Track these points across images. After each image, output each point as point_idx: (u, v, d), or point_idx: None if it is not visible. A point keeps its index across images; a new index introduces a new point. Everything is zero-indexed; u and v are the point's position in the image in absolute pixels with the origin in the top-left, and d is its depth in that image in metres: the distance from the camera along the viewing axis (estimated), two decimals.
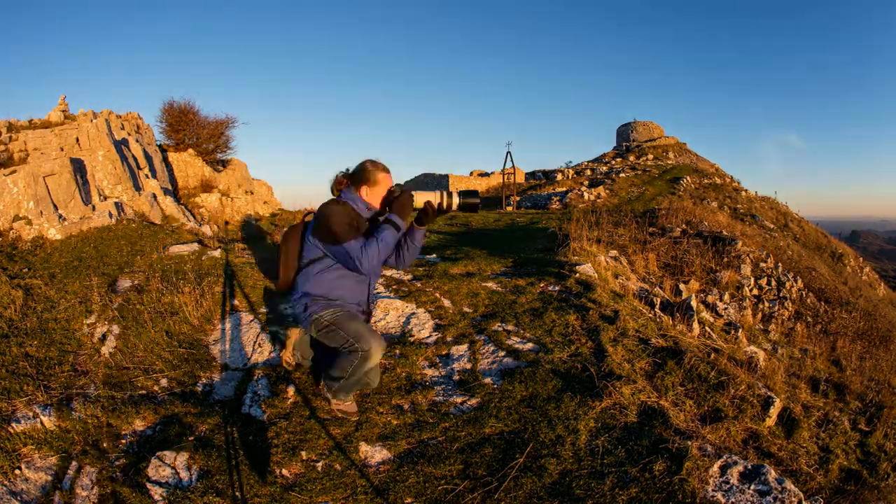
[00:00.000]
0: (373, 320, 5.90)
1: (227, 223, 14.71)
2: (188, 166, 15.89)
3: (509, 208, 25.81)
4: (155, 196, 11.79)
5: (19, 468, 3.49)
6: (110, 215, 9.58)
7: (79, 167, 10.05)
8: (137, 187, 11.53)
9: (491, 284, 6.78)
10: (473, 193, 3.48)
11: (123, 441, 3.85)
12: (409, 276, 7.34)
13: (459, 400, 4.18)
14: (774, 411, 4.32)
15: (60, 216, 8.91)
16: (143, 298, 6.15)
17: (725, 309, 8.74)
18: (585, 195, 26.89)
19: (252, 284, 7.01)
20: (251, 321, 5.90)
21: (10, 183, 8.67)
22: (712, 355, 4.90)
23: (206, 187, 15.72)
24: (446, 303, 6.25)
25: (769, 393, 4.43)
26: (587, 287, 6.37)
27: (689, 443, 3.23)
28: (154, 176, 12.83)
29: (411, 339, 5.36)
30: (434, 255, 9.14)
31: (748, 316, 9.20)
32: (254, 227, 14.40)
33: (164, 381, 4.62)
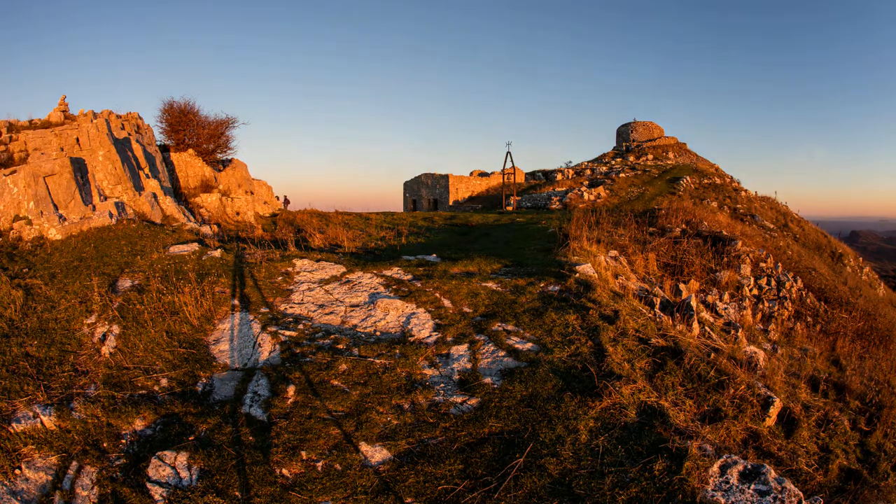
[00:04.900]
0: (372, 320, 5.93)
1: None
2: (189, 166, 15.91)
3: (509, 208, 25.85)
4: (155, 196, 11.79)
5: (19, 468, 3.49)
6: (111, 215, 9.59)
7: (79, 167, 10.05)
8: (138, 187, 11.53)
9: (491, 284, 6.78)
10: None
11: (123, 441, 3.85)
12: (409, 276, 7.34)
13: (459, 399, 4.18)
14: (774, 411, 4.32)
15: (61, 216, 8.92)
16: (143, 298, 6.15)
17: (725, 309, 8.75)
18: (585, 195, 26.89)
19: (252, 284, 7.01)
20: (251, 321, 5.90)
21: (11, 183, 8.68)
22: (712, 355, 4.90)
23: (207, 187, 15.73)
24: (446, 303, 6.25)
25: (769, 393, 4.43)
26: (587, 287, 6.38)
27: (689, 442, 3.23)
28: (155, 176, 12.83)
29: (411, 339, 5.36)
30: (434, 255, 9.14)
31: (748, 316, 9.20)
32: (254, 226, 14.40)
33: (164, 381, 4.63)
